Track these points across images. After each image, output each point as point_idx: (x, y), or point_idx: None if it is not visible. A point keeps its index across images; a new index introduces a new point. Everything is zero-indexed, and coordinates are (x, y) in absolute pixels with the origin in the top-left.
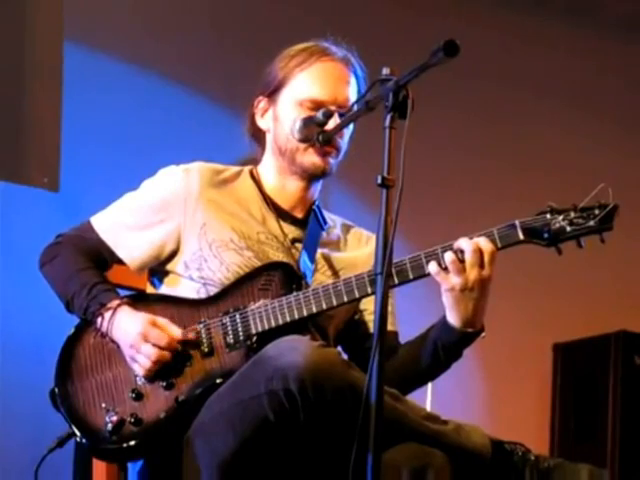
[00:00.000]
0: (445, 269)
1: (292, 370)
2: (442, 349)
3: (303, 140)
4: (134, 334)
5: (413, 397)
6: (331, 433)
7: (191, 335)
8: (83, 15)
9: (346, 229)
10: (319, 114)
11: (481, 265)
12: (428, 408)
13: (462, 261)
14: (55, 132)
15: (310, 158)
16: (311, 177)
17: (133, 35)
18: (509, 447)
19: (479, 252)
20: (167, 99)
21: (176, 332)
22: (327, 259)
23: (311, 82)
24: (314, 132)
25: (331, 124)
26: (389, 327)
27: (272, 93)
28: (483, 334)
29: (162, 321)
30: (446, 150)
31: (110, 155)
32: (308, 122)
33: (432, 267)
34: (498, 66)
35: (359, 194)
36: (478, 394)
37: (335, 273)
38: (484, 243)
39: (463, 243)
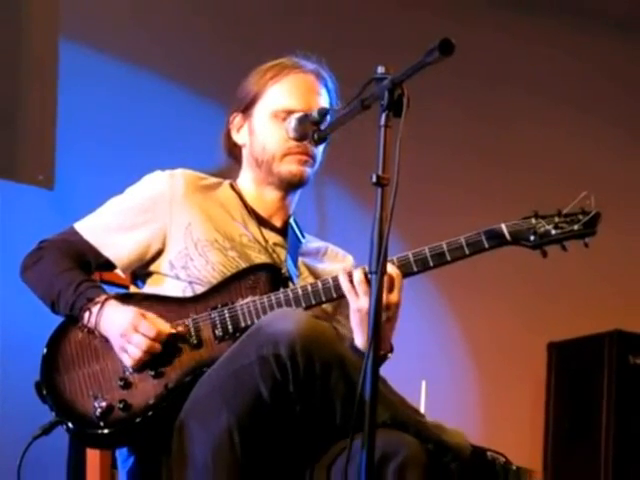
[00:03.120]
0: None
1: (283, 336)
2: None
3: (298, 139)
4: (125, 324)
5: (407, 396)
6: (320, 412)
7: (180, 329)
8: (79, 13)
9: (323, 245)
10: (314, 112)
11: (389, 290)
12: (422, 407)
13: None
14: (51, 130)
15: (287, 167)
16: (288, 186)
17: (129, 33)
18: (491, 456)
19: (387, 277)
20: (163, 98)
21: (165, 326)
22: (308, 267)
23: (284, 93)
24: (309, 130)
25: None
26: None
27: (247, 108)
28: (390, 355)
29: (151, 315)
30: (441, 149)
31: (106, 153)
32: (303, 120)
33: (344, 283)
34: (493, 66)
35: (354, 193)
36: (472, 393)
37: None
38: (391, 268)
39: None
